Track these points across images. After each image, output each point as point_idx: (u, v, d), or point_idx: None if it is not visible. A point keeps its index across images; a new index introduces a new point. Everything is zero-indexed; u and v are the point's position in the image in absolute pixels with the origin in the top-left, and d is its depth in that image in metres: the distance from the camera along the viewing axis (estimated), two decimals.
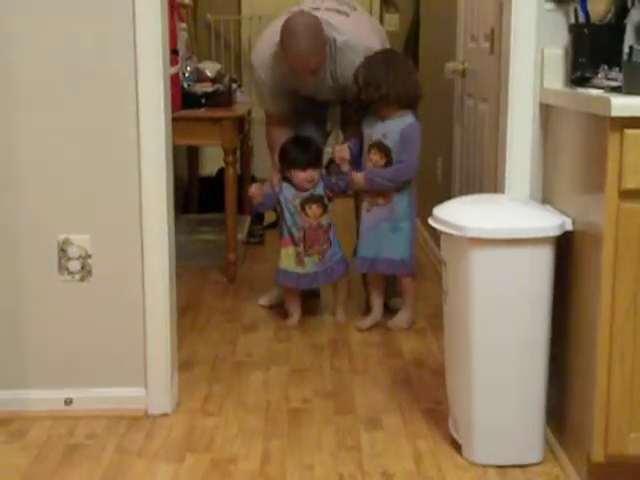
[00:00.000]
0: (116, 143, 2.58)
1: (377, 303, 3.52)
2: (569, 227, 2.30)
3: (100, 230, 2.62)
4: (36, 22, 2.51)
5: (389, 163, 3.32)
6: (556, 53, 2.49)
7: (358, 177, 3.36)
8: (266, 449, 2.47)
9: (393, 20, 6.88)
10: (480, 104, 3.45)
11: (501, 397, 2.33)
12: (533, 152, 2.56)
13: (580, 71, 2.40)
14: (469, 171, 3.70)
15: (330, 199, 3.53)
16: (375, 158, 3.34)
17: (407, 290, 3.50)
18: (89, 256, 2.62)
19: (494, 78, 2.99)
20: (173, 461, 2.40)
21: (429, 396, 2.81)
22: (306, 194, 3.46)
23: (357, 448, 2.47)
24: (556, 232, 2.27)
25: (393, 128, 3.30)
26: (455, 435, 2.47)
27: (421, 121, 5.23)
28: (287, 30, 3.26)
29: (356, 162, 3.44)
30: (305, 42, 3.22)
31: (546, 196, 2.55)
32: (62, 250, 2.61)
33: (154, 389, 2.68)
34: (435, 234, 2.79)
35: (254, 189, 3.54)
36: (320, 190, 3.49)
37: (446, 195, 3.74)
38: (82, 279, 2.63)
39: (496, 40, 3.02)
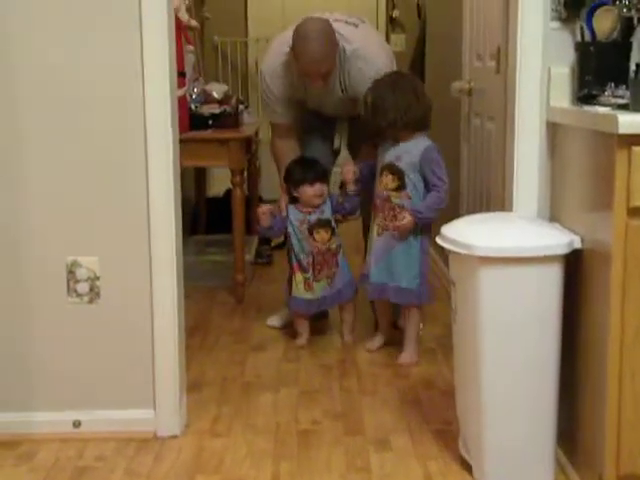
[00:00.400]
0: (123, 165, 2.58)
1: (384, 324, 3.50)
2: (578, 245, 2.29)
3: (108, 252, 2.62)
4: (41, 44, 2.53)
5: (401, 187, 3.23)
6: (562, 71, 2.49)
7: (407, 219, 3.21)
8: (275, 471, 2.45)
9: (399, 40, 6.91)
10: (487, 123, 3.45)
11: (511, 417, 2.31)
12: (540, 170, 2.56)
13: (587, 89, 2.40)
14: (477, 190, 3.70)
15: (338, 221, 3.50)
16: (386, 180, 3.26)
17: (410, 321, 3.37)
18: (97, 278, 2.62)
19: (500, 97, 2.99)
20: None
21: (439, 417, 2.79)
22: (313, 218, 3.42)
23: (367, 469, 2.46)
24: (564, 250, 2.26)
25: (407, 150, 3.23)
26: (465, 456, 2.45)
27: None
28: (299, 33, 3.26)
29: (367, 186, 3.40)
30: (317, 45, 3.22)
31: (554, 214, 2.54)
32: (70, 272, 2.62)
33: (163, 411, 2.67)
34: (444, 253, 2.79)
35: (265, 209, 3.50)
36: (328, 214, 3.45)
37: (454, 214, 3.72)
38: (90, 301, 2.63)
39: (502, 59, 3.02)
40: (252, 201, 4.96)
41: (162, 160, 2.57)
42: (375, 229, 3.33)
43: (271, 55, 3.48)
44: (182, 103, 3.74)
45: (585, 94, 2.40)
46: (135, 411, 2.68)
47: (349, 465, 2.48)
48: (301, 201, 3.46)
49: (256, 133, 4.82)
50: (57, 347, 2.65)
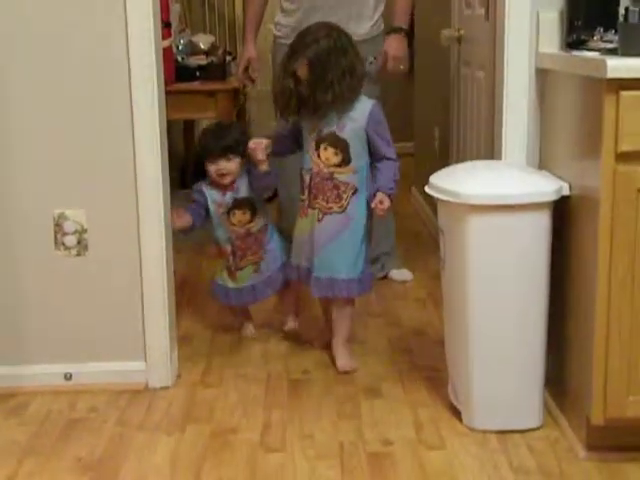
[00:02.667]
0: (109, 118, 2.56)
1: (327, 323, 2.97)
2: (566, 192, 2.28)
3: (96, 205, 2.61)
4: None
5: (346, 161, 2.71)
6: (551, 16, 2.46)
7: (382, 200, 2.71)
8: (266, 419, 2.47)
9: None
10: (476, 71, 3.42)
11: (500, 363, 2.33)
12: (529, 117, 2.55)
13: (576, 34, 2.38)
14: (466, 140, 3.69)
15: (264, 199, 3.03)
16: (326, 155, 2.71)
17: (343, 320, 2.84)
18: (85, 231, 2.61)
19: (490, 44, 2.96)
20: (174, 433, 2.40)
21: (429, 364, 2.81)
22: (228, 199, 2.90)
23: (357, 416, 2.48)
24: (553, 197, 2.26)
25: (350, 116, 2.70)
26: (455, 402, 2.47)
27: (418, 90, 5.25)
28: None
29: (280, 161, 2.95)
30: None
31: (543, 161, 2.53)
32: (58, 225, 2.61)
33: (154, 362, 2.68)
34: (433, 203, 2.78)
35: (175, 213, 2.83)
36: (244, 192, 2.91)
37: (444, 164, 3.71)
38: (78, 254, 2.63)
39: (491, 6, 2.99)
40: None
41: (148, 111, 2.55)
42: (314, 214, 2.77)
43: None
44: (168, 54, 3.68)
45: (574, 39, 2.38)
46: (126, 363, 2.69)
47: (340, 412, 2.50)
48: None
49: (244, 85, 4.77)
50: (47, 300, 2.65)
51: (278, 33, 3.54)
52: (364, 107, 2.73)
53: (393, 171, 2.76)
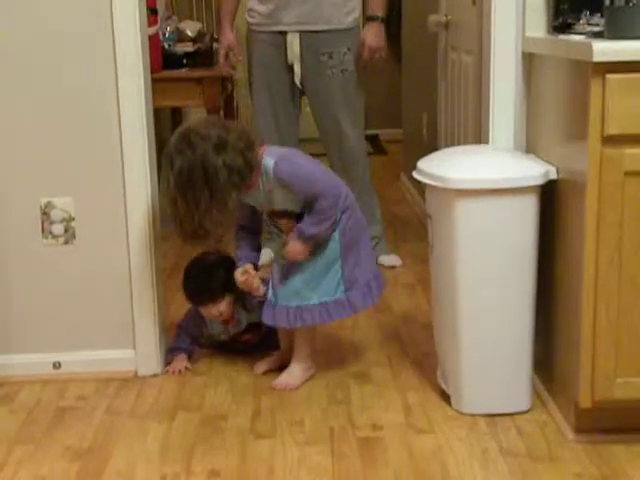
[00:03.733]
0: (95, 105, 2.55)
1: (285, 341, 2.73)
2: (553, 176, 2.29)
3: (83, 193, 2.60)
4: None
5: (299, 218, 2.49)
6: (537, 0, 2.46)
7: (294, 246, 2.47)
8: (256, 406, 2.48)
9: None
10: (464, 56, 3.42)
11: (488, 347, 2.34)
12: (516, 102, 2.55)
13: (562, 17, 2.38)
14: (454, 125, 3.68)
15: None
16: (284, 223, 2.53)
17: (302, 334, 2.61)
18: (72, 219, 2.60)
19: (477, 29, 2.96)
20: (164, 420, 2.40)
21: (418, 349, 2.82)
22: (232, 331, 2.78)
23: (347, 402, 2.48)
24: (540, 181, 2.26)
25: (267, 186, 2.45)
26: (444, 386, 2.48)
27: (406, 76, 5.24)
28: None
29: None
30: None
31: (530, 146, 2.53)
32: (45, 214, 2.60)
33: (143, 350, 2.68)
34: (421, 188, 2.78)
35: (176, 363, 2.74)
36: (245, 321, 2.76)
37: (432, 150, 3.71)
38: (66, 242, 2.62)
39: None
40: None
41: (134, 99, 2.54)
42: (281, 242, 2.55)
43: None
44: (154, 42, 3.67)
45: (560, 23, 2.38)
46: (115, 351, 2.69)
47: (330, 398, 2.51)
48: None
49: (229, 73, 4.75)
50: (35, 289, 2.65)
51: (252, 20, 3.50)
52: (268, 173, 2.43)
53: (313, 220, 2.44)
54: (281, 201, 2.47)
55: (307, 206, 2.46)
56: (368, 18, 3.52)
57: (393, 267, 3.70)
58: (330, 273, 2.51)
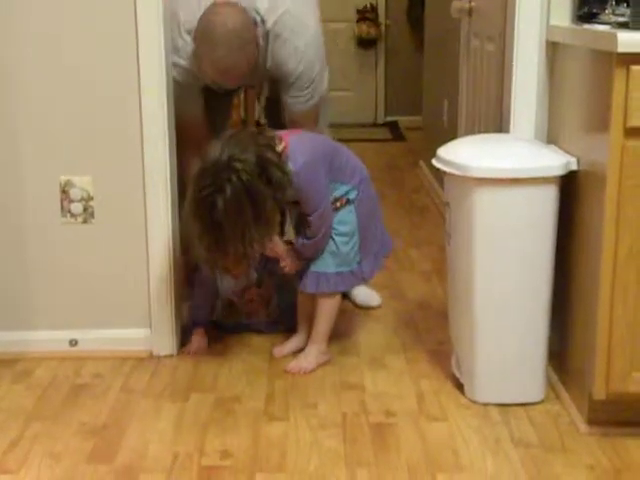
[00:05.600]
0: (116, 83, 2.55)
1: (303, 324, 2.73)
2: (574, 167, 2.27)
3: (102, 172, 2.61)
4: None
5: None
6: None
7: (292, 265, 2.58)
8: (270, 388, 2.49)
9: None
10: (486, 44, 3.40)
11: (503, 336, 2.33)
12: (539, 91, 2.53)
13: (587, 7, 2.36)
14: (475, 113, 3.67)
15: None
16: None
17: (322, 315, 2.62)
18: (91, 198, 2.61)
19: (500, 16, 2.94)
20: (178, 400, 2.42)
21: (432, 337, 2.82)
22: (242, 282, 2.80)
23: (360, 387, 2.49)
24: (560, 171, 2.25)
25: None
26: (458, 374, 2.48)
27: (428, 63, 5.22)
28: (203, 35, 2.58)
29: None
30: (227, 53, 2.56)
31: (551, 136, 2.52)
32: (64, 192, 2.61)
33: (159, 330, 2.70)
34: (440, 177, 2.77)
35: (198, 343, 2.75)
36: (253, 277, 2.80)
37: (452, 138, 3.70)
38: (85, 221, 2.63)
39: None
40: (248, 125, 4.92)
41: (155, 77, 2.54)
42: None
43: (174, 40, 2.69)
44: None
45: (585, 12, 2.36)
46: (131, 330, 2.70)
47: (343, 383, 2.51)
48: None
49: None
50: (53, 267, 2.66)
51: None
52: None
53: (309, 243, 2.52)
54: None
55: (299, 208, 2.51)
56: None
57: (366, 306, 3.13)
58: (349, 245, 2.57)
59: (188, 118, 2.78)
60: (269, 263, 2.73)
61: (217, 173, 2.28)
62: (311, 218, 2.49)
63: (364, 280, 2.72)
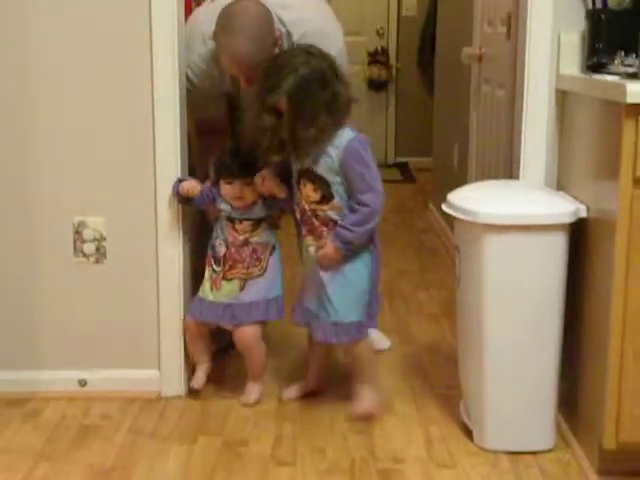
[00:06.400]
0: (130, 128, 2.58)
1: (312, 366, 2.71)
2: (583, 214, 2.28)
3: (115, 213, 2.63)
4: None
5: (325, 198, 2.44)
6: (573, 39, 2.47)
7: (328, 251, 2.45)
8: (278, 432, 2.48)
9: (411, 5, 6.86)
10: (497, 90, 3.44)
11: (513, 383, 2.33)
12: (548, 138, 2.55)
13: (596, 57, 2.38)
14: (485, 158, 3.70)
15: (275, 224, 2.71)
16: (306, 191, 2.46)
17: (359, 359, 2.59)
18: (104, 239, 2.63)
19: (510, 63, 2.98)
20: (185, 443, 2.42)
21: (442, 382, 2.81)
22: (237, 214, 2.63)
23: (369, 432, 2.48)
24: (570, 219, 2.26)
25: (326, 150, 2.40)
26: (467, 421, 2.47)
27: (438, 106, 5.26)
28: (224, 25, 2.53)
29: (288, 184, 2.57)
30: (246, 41, 2.49)
31: (561, 183, 2.54)
32: (77, 232, 2.63)
33: (168, 371, 2.70)
34: (449, 219, 2.78)
35: (189, 183, 2.62)
36: (257, 214, 2.63)
37: (462, 182, 3.73)
38: (97, 261, 2.65)
39: (513, 25, 3.01)
40: None
41: (169, 123, 2.57)
42: (307, 243, 2.54)
43: (191, 42, 2.71)
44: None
45: (595, 62, 2.39)
46: (140, 371, 2.71)
47: (351, 427, 2.50)
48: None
49: None
50: (63, 306, 2.67)
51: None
52: (341, 141, 2.40)
53: (361, 218, 2.40)
54: (326, 168, 2.40)
55: (348, 197, 2.41)
56: None
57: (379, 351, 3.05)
58: (361, 296, 2.50)
59: (211, 122, 2.82)
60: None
61: (302, 50, 2.41)
62: (362, 197, 2.39)
63: (365, 335, 2.58)
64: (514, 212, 2.27)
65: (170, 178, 2.59)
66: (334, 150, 2.39)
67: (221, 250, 2.64)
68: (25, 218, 2.63)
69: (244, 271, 2.62)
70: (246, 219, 2.62)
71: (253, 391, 2.69)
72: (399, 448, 2.39)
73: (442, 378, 2.84)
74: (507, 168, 2.98)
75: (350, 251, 2.44)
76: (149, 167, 2.59)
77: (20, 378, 2.68)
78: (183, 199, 2.61)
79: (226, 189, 2.58)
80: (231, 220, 2.62)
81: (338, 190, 2.42)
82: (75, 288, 2.67)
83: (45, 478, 2.23)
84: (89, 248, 2.64)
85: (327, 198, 2.43)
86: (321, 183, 2.42)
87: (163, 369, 2.70)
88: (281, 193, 2.56)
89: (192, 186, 2.60)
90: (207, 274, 2.67)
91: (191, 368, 2.75)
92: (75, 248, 2.64)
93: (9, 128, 2.58)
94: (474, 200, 2.36)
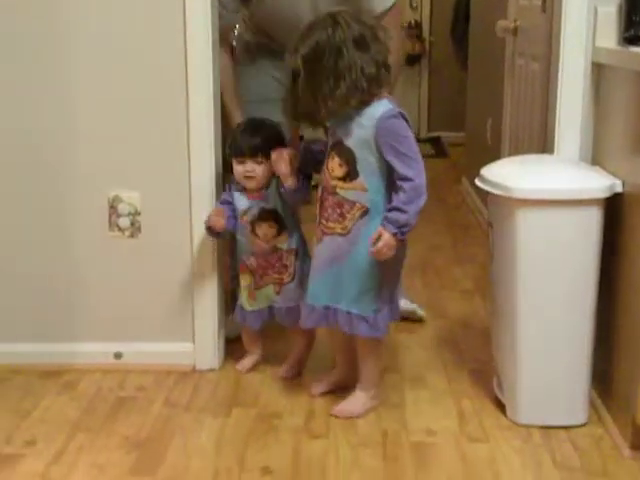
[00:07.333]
0: (164, 102, 2.60)
1: (340, 360, 2.59)
2: (619, 189, 2.26)
3: (149, 187, 2.65)
4: None
5: (351, 175, 2.30)
6: (609, 11, 2.44)
7: (386, 240, 2.25)
8: (311, 406, 2.50)
9: None
10: (531, 63, 3.40)
11: (547, 358, 2.32)
12: (584, 112, 2.53)
13: (633, 29, 2.35)
14: (519, 132, 3.66)
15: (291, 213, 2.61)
16: (332, 165, 2.33)
17: (364, 358, 2.46)
18: (138, 213, 2.66)
19: (546, 36, 2.94)
20: (220, 415, 2.44)
21: (474, 356, 2.81)
22: (255, 209, 2.56)
23: (401, 405, 2.49)
24: (605, 194, 2.24)
25: (359, 122, 2.29)
26: (499, 395, 2.47)
27: (472, 80, 5.22)
28: None
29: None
30: None
31: (596, 157, 2.51)
32: (112, 207, 2.65)
33: (202, 345, 2.73)
34: (483, 194, 2.77)
35: (214, 214, 2.59)
36: (273, 203, 2.56)
37: (495, 157, 3.70)
38: (131, 235, 2.67)
39: None
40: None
41: (203, 97, 2.58)
42: (316, 234, 2.42)
43: None
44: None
45: (631, 35, 2.36)
46: (175, 344, 2.74)
47: (384, 401, 2.51)
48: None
49: None
50: (99, 280, 2.71)
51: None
52: (374, 113, 2.27)
53: (409, 196, 2.24)
54: (358, 141, 2.28)
55: (388, 180, 2.28)
56: None
57: (411, 316, 3.12)
58: (365, 286, 2.34)
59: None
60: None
61: (328, 17, 2.27)
62: (402, 172, 2.25)
63: (380, 333, 2.41)
64: (548, 187, 2.25)
65: (204, 150, 2.60)
66: (368, 122, 2.26)
67: (249, 262, 2.62)
68: (61, 192, 2.66)
69: (275, 276, 2.60)
70: (264, 216, 2.55)
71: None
72: (431, 421, 2.40)
73: (475, 353, 2.84)
74: (541, 142, 2.95)
75: (404, 235, 2.26)
76: (183, 142, 2.60)
77: (56, 350, 2.73)
78: (215, 234, 2.61)
79: (237, 170, 2.54)
80: (251, 225, 2.57)
81: (365, 168, 2.28)
82: (110, 262, 2.70)
83: (82, 449, 2.27)
84: (124, 222, 2.67)
85: (351, 175, 2.29)
86: (348, 157, 2.29)
87: (197, 342, 2.72)
88: (287, 180, 2.46)
89: (214, 221, 2.57)
90: (242, 283, 2.66)
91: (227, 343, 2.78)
92: (110, 222, 2.67)
93: (47, 104, 2.60)
94: (508, 175, 2.34)
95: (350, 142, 2.29)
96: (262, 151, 2.51)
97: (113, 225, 2.67)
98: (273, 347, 2.80)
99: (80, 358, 2.72)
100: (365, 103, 2.27)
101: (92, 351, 2.73)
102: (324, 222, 2.37)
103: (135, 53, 2.57)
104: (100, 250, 2.69)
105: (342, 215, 2.32)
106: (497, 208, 2.38)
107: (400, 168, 2.25)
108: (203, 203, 2.63)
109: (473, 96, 5.18)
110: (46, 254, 2.69)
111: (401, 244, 2.29)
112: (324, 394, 2.55)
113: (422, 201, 2.26)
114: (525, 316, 2.30)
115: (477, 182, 2.41)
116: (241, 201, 2.59)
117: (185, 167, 2.62)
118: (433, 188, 4.39)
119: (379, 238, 2.24)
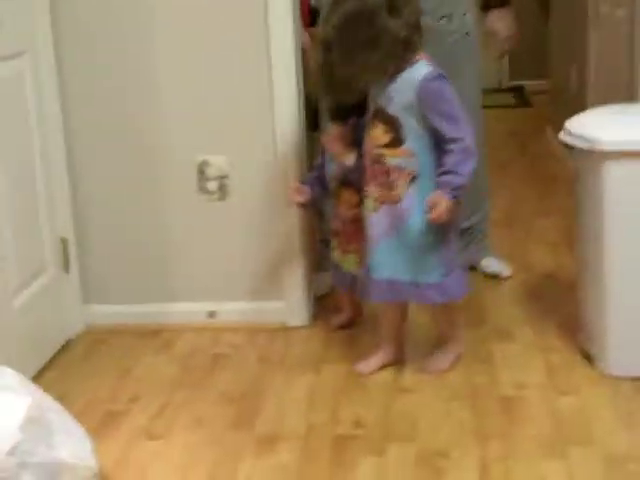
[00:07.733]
0: (248, 67, 2.65)
1: (390, 336, 2.51)
2: None
3: (236, 152, 2.71)
4: None
5: (397, 141, 2.26)
6: None
7: (443, 205, 2.20)
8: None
9: None
10: (616, 9, 3.32)
11: (637, 309, 2.31)
12: None
13: None
14: (605, 80, 3.59)
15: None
16: (375, 133, 2.30)
17: (442, 318, 2.50)
18: (226, 176, 2.72)
19: None
20: (311, 371, 2.51)
21: (561, 309, 2.80)
22: (339, 171, 2.55)
23: (490, 360, 2.52)
24: None
25: (397, 87, 2.26)
26: (588, 348, 2.47)
27: (555, 26, 5.10)
28: None
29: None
30: None
31: None
32: (200, 171, 2.72)
33: (292, 303, 2.79)
34: (569, 146, 2.74)
35: (294, 189, 2.63)
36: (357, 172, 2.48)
37: (581, 104, 3.65)
38: (220, 198, 2.74)
39: None
40: None
41: (285, 60, 2.62)
42: (369, 204, 2.37)
43: None
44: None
45: None
46: (266, 302, 2.81)
47: (474, 355, 2.54)
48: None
49: None
50: (191, 242, 2.79)
51: None
52: (414, 77, 2.23)
53: (459, 157, 2.20)
54: (400, 107, 2.25)
55: (432, 143, 2.25)
56: (494, 4, 2.93)
57: (497, 276, 3.12)
58: (425, 252, 2.32)
59: None
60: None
61: None
62: (450, 133, 2.22)
63: (451, 298, 2.42)
64: (635, 138, 2.22)
65: (288, 115, 2.65)
66: (409, 86, 2.22)
67: (336, 226, 2.62)
68: (151, 159, 2.74)
69: (357, 246, 2.51)
70: (347, 183, 2.52)
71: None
72: (520, 375, 2.42)
73: (562, 306, 2.82)
74: (629, 90, 2.90)
75: (459, 197, 2.24)
76: (267, 104, 2.65)
77: (152, 310, 2.83)
78: (302, 204, 2.63)
79: (326, 138, 2.54)
80: (336, 191, 2.56)
81: (410, 133, 2.25)
82: (202, 224, 2.77)
83: (182, 405, 2.37)
84: (212, 185, 2.74)
85: (397, 142, 2.26)
86: (393, 124, 2.26)
87: (287, 300, 2.79)
88: (346, 159, 2.46)
89: (292, 196, 2.60)
90: (332, 244, 2.66)
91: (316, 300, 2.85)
92: (199, 186, 2.74)
93: (138, 72, 2.69)
94: (594, 126, 2.31)
95: (392, 108, 2.26)
96: (345, 114, 2.46)
97: (202, 188, 2.74)
98: (367, 306, 2.80)
99: (175, 318, 2.82)
100: (402, 68, 2.24)
101: (187, 310, 2.82)
102: (374, 191, 2.33)
103: (218, 23, 2.62)
104: (191, 213, 2.77)
105: (392, 183, 2.29)
106: (582, 161, 2.36)
107: (448, 130, 2.22)
108: (289, 167, 2.69)
109: (556, 43, 5.07)
110: (140, 218, 2.79)
111: (456, 205, 2.26)
112: (374, 372, 2.48)
113: (473, 162, 2.22)
114: (612, 268, 2.29)
115: (561, 136, 2.39)
116: (330, 167, 2.59)
117: (269, 130, 2.67)
118: (517, 139, 4.37)
119: (436, 203, 2.20)
